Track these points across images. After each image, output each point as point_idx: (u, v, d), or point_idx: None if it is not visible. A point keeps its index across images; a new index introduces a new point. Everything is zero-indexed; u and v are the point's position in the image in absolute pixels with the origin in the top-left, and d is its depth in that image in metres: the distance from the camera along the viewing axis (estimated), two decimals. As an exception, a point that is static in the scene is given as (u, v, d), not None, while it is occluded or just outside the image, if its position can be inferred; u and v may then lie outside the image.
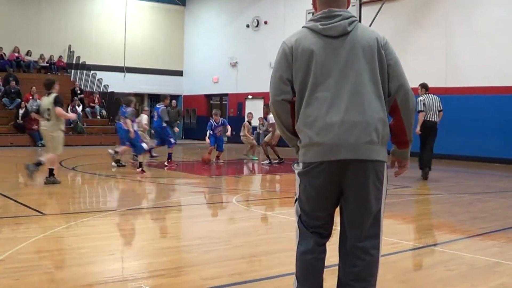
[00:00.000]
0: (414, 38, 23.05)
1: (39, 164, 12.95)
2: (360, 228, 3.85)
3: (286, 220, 8.90)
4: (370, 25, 20.61)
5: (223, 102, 35.85)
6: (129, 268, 6.17)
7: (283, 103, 3.90)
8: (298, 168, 3.91)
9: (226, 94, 34.94)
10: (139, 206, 10.35)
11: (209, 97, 36.73)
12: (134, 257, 6.64)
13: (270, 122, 20.00)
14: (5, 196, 11.12)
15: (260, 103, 30.76)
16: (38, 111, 16.37)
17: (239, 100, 33.59)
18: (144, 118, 19.11)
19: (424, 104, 14.95)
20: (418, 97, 14.98)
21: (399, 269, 6.10)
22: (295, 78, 3.84)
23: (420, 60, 22.48)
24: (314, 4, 4.09)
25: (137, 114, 18.36)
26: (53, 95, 12.99)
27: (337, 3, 3.93)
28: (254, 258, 6.55)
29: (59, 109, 12.77)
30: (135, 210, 9.85)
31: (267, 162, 19.74)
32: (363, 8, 23.65)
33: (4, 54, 32.36)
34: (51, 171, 13.03)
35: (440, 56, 22.72)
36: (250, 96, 29.99)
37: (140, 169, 15.93)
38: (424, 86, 15.47)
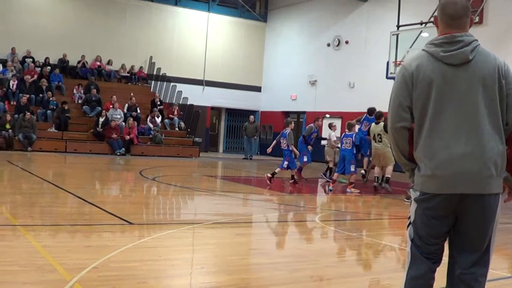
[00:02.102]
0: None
1: None
2: (472, 255, 3.84)
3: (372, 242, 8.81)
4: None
5: (300, 120, 35.82)
6: (222, 283, 6.17)
7: (402, 130, 3.87)
8: (415, 194, 3.88)
9: (304, 112, 34.88)
10: (222, 220, 10.39)
11: (286, 114, 36.76)
12: (224, 272, 6.63)
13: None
14: (89, 202, 11.33)
15: (337, 122, 30.62)
16: None
17: (317, 118, 33.52)
18: (332, 135, 19.83)
19: None
20: None
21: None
22: (415, 106, 3.81)
23: None
24: (435, 22, 4.01)
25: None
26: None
27: (460, 24, 3.87)
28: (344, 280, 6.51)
29: None
30: (219, 224, 9.89)
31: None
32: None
33: (86, 62, 33.04)
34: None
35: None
36: (327, 115, 29.84)
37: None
38: None
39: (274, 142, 18.53)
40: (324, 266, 7.20)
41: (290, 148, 17.36)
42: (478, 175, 3.66)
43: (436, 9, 3.96)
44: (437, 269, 3.95)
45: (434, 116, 3.74)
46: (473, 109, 3.70)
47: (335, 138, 19.49)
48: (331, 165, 19.80)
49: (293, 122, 19.37)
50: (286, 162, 17.43)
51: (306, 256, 7.77)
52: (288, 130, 17.48)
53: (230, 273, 6.55)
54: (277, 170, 17.34)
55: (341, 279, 6.58)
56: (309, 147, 18.58)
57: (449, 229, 3.87)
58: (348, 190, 16.24)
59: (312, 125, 19.35)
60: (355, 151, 16.97)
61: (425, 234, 3.88)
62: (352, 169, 16.28)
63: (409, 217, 3.99)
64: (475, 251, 3.83)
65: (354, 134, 16.79)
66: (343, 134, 16.92)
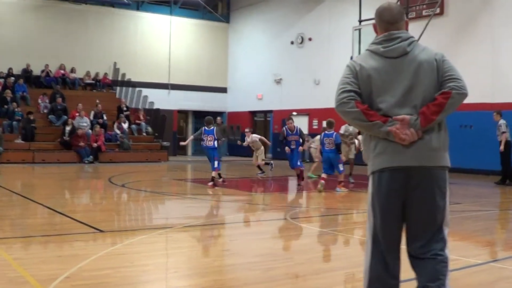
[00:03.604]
0: (461, 54, 22.78)
1: None
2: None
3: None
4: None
5: (267, 119, 35.90)
6: (196, 285, 6.18)
7: (349, 101, 4.09)
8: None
9: (271, 111, 34.93)
10: (194, 223, 10.37)
11: (253, 113, 36.80)
12: (199, 274, 6.62)
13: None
14: (59, 212, 11.25)
15: (304, 120, 30.75)
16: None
17: (284, 117, 33.57)
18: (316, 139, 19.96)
19: (506, 125, 18.46)
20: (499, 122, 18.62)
21: (462, 286, 6.04)
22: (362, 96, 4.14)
23: (467, 75, 22.20)
24: (375, 28, 4.35)
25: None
26: None
27: (396, 26, 4.22)
28: (319, 276, 6.55)
29: None
30: (190, 227, 9.88)
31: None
32: (409, 25, 23.50)
33: (50, 71, 32.78)
34: None
35: (487, 72, 22.46)
36: (294, 113, 29.94)
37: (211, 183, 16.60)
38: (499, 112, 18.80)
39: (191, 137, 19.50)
40: (298, 263, 7.22)
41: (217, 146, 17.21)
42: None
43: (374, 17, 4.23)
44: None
45: (377, 99, 4.09)
46: (418, 93, 4.05)
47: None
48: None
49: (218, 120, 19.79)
50: (216, 162, 16.93)
51: (279, 255, 7.80)
52: (212, 127, 17.16)
53: (204, 276, 6.54)
54: (213, 174, 16.87)
55: (317, 275, 6.60)
56: (287, 149, 17.86)
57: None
58: (338, 189, 15.86)
59: (283, 128, 18.79)
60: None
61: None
62: (342, 168, 16.06)
63: None
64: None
65: (335, 134, 16.12)
66: (322, 134, 16.38)
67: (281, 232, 10.05)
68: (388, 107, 4.01)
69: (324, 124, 18.00)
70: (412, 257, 4.10)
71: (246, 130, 20.22)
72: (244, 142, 19.82)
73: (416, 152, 3.95)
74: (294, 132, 17.69)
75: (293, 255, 7.71)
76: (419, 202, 3.99)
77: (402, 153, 3.96)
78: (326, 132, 16.30)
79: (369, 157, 4.15)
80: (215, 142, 16.95)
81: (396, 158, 3.97)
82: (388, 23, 4.22)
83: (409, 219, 4.07)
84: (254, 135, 19.92)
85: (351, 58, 24.34)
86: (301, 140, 17.79)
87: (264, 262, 7.16)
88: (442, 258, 4.00)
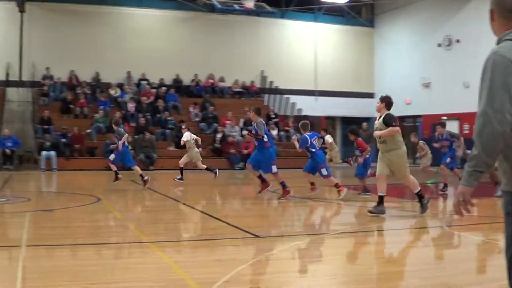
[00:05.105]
0: None
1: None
2: None
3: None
4: None
5: (416, 124, 35.19)
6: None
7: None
8: None
9: (420, 116, 34.24)
10: (347, 230, 10.28)
11: (402, 119, 36.17)
12: (356, 282, 6.58)
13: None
14: (213, 217, 11.51)
15: (454, 125, 29.88)
16: None
17: (433, 121, 32.76)
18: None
19: None
20: None
21: None
22: None
23: None
24: (492, 15, 3.91)
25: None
26: None
27: None
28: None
29: None
30: (344, 234, 9.82)
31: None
32: None
33: (200, 80, 33.81)
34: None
35: None
36: (444, 118, 29.14)
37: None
38: None
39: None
40: (456, 273, 6.98)
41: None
42: None
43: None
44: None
45: None
46: None
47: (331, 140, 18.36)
48: None
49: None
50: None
51: (435, 263, 7.59)
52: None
53: (361, 283, 6.49)
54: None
55: (476, 286, 6.37)
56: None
57: None
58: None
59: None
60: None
61: None
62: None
63: None
64: None
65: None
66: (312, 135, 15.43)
67: (436, 240, 9.77)
68: None
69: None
70: None
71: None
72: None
73: None
74: (445, 137, 17.32)
75: (449, 264, 7.48)
76: None
77: None
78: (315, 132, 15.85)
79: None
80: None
81: None
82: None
83: None
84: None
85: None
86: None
87: (421, 271, 7.00)
88: None
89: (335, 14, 37.89)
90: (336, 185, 14.97)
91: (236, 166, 27.45)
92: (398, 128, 11.43)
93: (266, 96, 35.38)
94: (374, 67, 38.63)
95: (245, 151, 27.84)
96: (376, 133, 11.54)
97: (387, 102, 11.89)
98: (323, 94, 36.55)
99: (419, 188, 11.66)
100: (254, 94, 34.99)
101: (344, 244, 9.18)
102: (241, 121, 30.70)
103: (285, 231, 10.70)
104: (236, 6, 31.45)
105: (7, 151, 26.27)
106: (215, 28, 34.48)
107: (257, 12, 34.69)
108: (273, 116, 32.38)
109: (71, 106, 29.82)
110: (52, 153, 25.74)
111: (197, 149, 20.11)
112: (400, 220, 12.25)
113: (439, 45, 32.83)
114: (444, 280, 6.57)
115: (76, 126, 27.88)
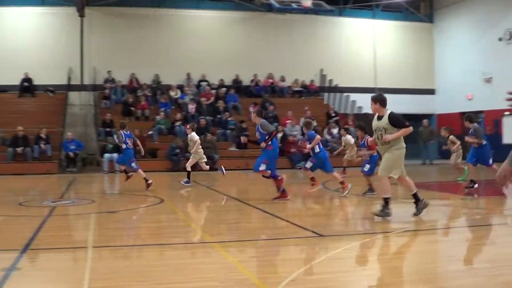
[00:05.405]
0: None
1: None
2: None
3: None
4: None
5: (479, 120, 34.59)
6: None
7: None
8: None
9: (482, 111, 33.66)
10: (413, 228, 10.16)
11: (463, 114, 35.58)
12: (424, 280, 6.50)
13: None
14: (276, 216, 11.54)
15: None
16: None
17: (496, 117, 32.23)
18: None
19: None
20: None
21: None
22: None
23: None
24: None
25: None
26: None
27: None
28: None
29: None
30: (409, 232, 9.72)
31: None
32: None
33: (259, 80, 33.93)
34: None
35: None
36: (507, 113, 28.65)
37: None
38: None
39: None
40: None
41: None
42: None
43: None
44: None
45: None
46: None
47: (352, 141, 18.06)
48: None
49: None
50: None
51: (503, 261, 7.44)
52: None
53: (430, 281, 6.44)
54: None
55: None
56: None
57: None
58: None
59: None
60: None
61: None
62: None
63: None
64: None
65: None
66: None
67: (502, 237, 9.58)
68: None
69: None
70: None
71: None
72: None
73: None
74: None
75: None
76: None
77: None
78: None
79: None
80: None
81: None
82: None
83: None
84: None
85: None
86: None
87: (489, 269, 6.91)
88: None
89: (393, 11, 37.61)
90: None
91: (297, 165, 27.42)
92: (411, 127, 10.85)
93: (325, 94, 35.33)
94: (434, 63, 38.15)
95: (306, 150, 27.75)
96: (387, 137, 10.70)
97: (381, 100, 11.20)
98: (383, 91, 35.99)
99: (415, 190, 11.29)
100: (313, 93, 34.97)
101: (410, 242, 9.11)
102: (302, 120, 30.65)
103: (349, 230, 10.67)
104: (294, 5, 31.36)
105: (71, 154, 26.87)
106: (273, 27, 34.60)
107: (315, 10, 34.58)
108: (333, 114, 32.29)
109: (132, 108, 30.27)
110: (115, 155, 26.16)
111: (201, 149, 19.95)
112: (463, 218, 12.12)
113: (500, 39, 32.24)
114: (509, 278, 6.47)
115: (137, 128, 28.29)
